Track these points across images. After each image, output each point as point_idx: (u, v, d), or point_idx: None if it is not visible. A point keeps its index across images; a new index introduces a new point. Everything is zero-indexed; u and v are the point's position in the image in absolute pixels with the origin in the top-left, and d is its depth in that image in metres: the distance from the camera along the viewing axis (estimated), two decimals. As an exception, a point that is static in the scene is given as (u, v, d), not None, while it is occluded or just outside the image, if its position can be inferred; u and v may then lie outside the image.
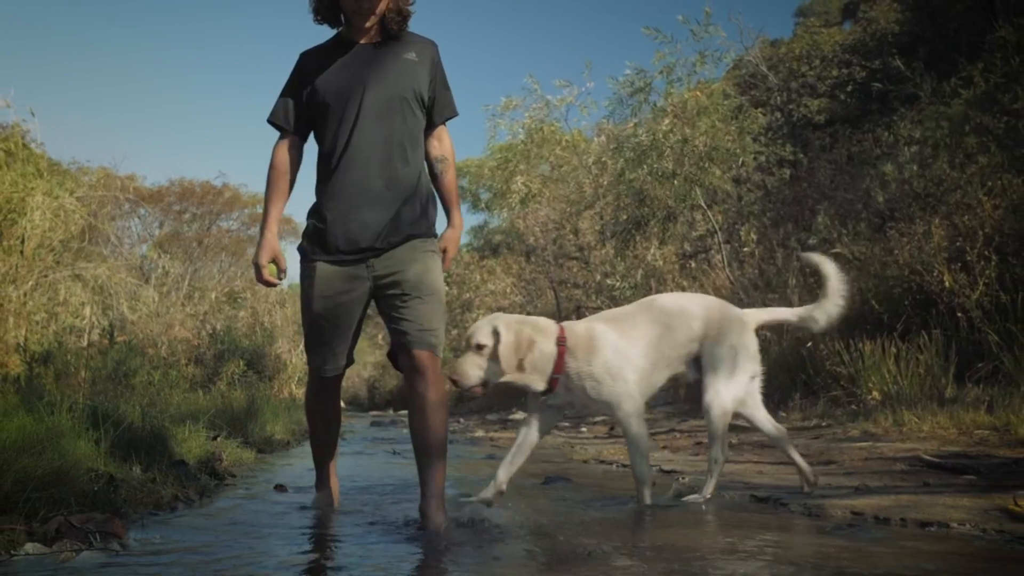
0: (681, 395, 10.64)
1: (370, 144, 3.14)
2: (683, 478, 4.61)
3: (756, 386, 3.94)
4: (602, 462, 6.01)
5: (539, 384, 3.67)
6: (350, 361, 3.37)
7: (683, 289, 13.31)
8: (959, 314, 6.95)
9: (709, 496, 3.73)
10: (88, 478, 3.35)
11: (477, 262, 23.28)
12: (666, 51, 13.65)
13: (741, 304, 10.54)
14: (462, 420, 16.12)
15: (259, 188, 40.03)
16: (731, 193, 13.38)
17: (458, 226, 3.47)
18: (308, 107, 3.26)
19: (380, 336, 33.08)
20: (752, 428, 4.07)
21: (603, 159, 15.99)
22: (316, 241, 3.20)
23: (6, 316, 8.87)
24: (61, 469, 3.25)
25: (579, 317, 17.28)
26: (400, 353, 3.15)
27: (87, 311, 10.81)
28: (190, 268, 21.77)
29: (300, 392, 14.58)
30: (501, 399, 18.78)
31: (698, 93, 12.86)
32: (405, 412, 18.23)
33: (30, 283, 9.44)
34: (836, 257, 9.15)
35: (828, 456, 5.13)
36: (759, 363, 3.92)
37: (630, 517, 3.40)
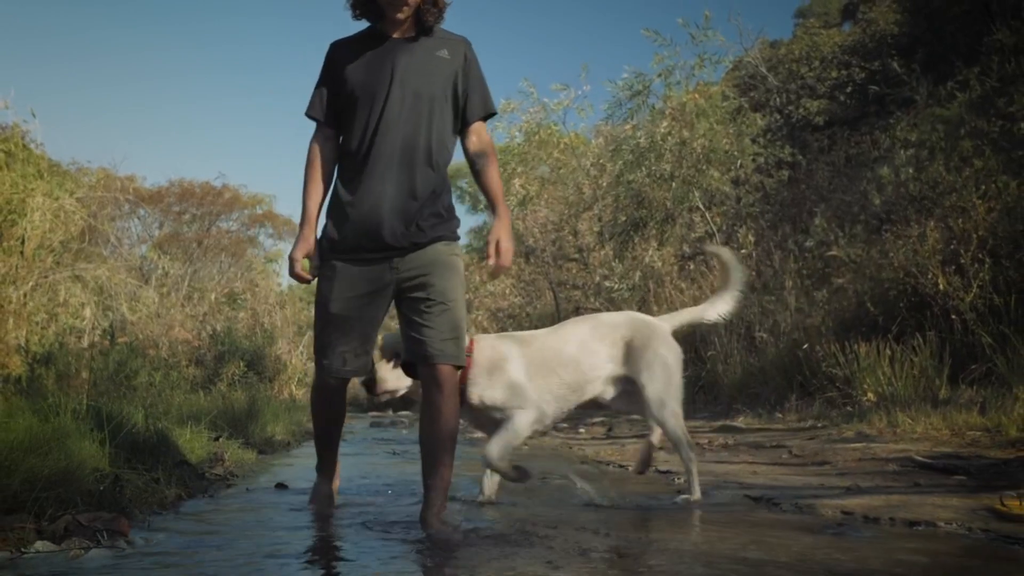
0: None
1: (396, 141, 3.09)
2: (679, 478, 4.67)
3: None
4: (600, 463, 6.06)
5: None
6: (369, 364, 3.33)
7: (681, 291, 13.38)
8: (953, 316, 7.02)
9: (700, 496, 3.75)
10: (94, 478, 3.41)
11: (476, 263, 23.33)
12: (665, 54, 13.73)
13: (740, 305, 10.64)
14: (462, 420, 16.17)
15: (258, 189, 40.10)
16: (730, 195, 13.45)
17: (504, 217, 3.24)
18: (335, 98, 3.23)
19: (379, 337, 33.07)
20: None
21: (601, 161, 16.05)
22: (337, 239, 3.16)
23: (6, 317, 8.92)
24: (67, 469, 3.31)
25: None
26: (420, 364, 3.12)
27: (87, 312, 10.86)
28: (189, 269, 21.79)
29: (300, 393, 14.64)
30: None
31: (696, 96, 12.93)
32: (405, 413, 18.28)
33: (30, 284, 9.49)
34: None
35: (822, 457, 5.19)
36: (679, 372, 3.94)
37: (625, 517, 3.46)
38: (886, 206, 9.63)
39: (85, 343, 10.00)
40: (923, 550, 2.55)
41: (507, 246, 3.13)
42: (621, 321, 3.99)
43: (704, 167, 12.76)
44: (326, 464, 3.67)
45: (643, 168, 13.21)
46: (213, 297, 18.70)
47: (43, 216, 9.81)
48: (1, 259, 9.22)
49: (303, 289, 32.50)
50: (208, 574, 2.28)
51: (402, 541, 2.88)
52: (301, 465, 5.94)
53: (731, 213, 13.67)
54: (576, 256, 18.86)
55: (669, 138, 12.85)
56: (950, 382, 6.66)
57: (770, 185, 13.62)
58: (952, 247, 7.43)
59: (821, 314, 8.76)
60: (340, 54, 3.24)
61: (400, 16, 3.10)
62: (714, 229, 12.98)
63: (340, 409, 3.55)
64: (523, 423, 3.64)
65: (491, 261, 3.11)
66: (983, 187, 7.87)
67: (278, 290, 27.94)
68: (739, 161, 12.90)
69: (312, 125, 3.35)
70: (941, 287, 7.16)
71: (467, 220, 39.20)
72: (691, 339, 11.42)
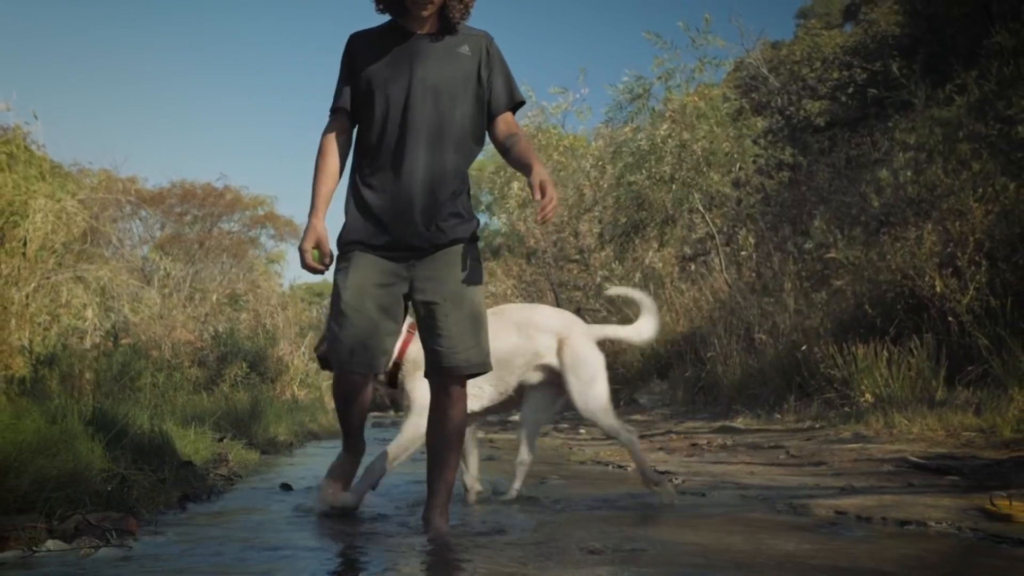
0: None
1: (417, 140, 3.02)
2: (677, 479, 4.73)
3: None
4: (599, 463, 6.13)
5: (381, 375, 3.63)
6: (375, 369, 3.15)
7: (681, 292, 13.45)
8: (950, 318, 7.08)
9: (658, 483, 3.93)
10: (101, 479, 3.47)
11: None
12: (665, 57, 13.78)
13: (739, 307, 10.73)
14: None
15: (260, 190, 40.07)
16: (730, 196, 13.51)
17: (541, 170, 3.02)
18: (353, 91, 3.16)
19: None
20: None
21: (601, 163, 16.10)
22: (355, 237, 3.07)
23: (9, 318, 8.97)
24: (75, 470, 3.38)
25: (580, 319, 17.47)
26: (432, 371, 3.10)
27: (89, 313, 10.91)
28: (191, 270, 21.84)
29: (302, 394, 14.72)
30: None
31: (696, 98, 12.99)
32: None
33: (32, 285, 9.53)
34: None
35: (819, 457, 5.26)
36: (604, 374, 4.11)
37: (623, 516, 3.52)
38: (885, 208, 9.68)
39: (87, 344, 10.06)
40: (912, 548, 2.61)
41: (552, 194, 2.91)
42: (556, 315, 4.21)
43: (704, 169, 12.81)
44: (350, 443, 3.49)
45: (643, 170, 13.27)
46: (215, 298, 18.76)
47: (45, 218, 9.85)
48: (3, 260, 9.26)
49: (305, 290, 32.61)
50: (215, 573, 2.35)
51: (405, 541, 2.94)
52: (304, 465, 6.02)
53: (731, 214, 13.73)
54: (577, 257, 18.94)
55: (669, 140, 12.91)
56: (947, 383, 6.72)
57: (771, 187, 13.67)
58: (949, 250, 7.49)
59: (820, 316, 8.82)
60: (359, 47, 3.17)
61: (424, 13, 3.03)
62: (714, 231, 13.03)
63: (359, 406, 3.38)
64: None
65: (537, 196, 2.89)
66: (980, 190, 7.93)
67: (280, 291, 28.00)
68: (738, 164, 12.95)
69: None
70: (938, 289, 7.21)
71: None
72: (691, 340, 11.50)
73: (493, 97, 3.16)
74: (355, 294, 3.01)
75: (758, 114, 15.40)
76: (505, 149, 3.15)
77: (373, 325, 3.03)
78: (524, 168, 3.07)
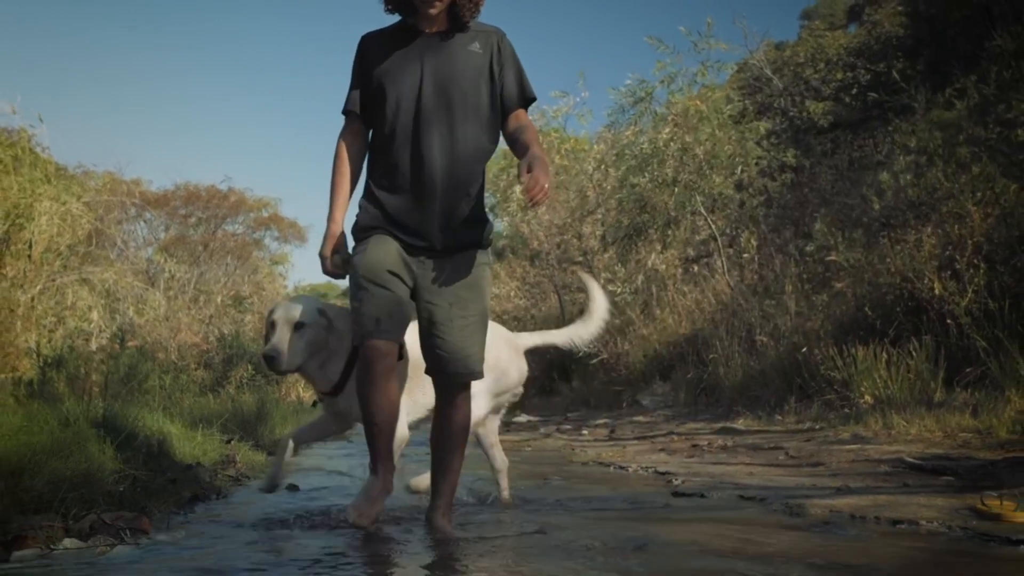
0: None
1: (430, 141, 3.00)
2: (676, 479, 4.81)
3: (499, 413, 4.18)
4: (601, 464, 6.21)
5: (325, 384, 3.50)
6: (398, 339, 3.00)
7: (684, 294, 13.51)
8: (949, 321, 7.14)
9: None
10: (113, 479, 3.57)
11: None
12: (667, 61, 13.84)
13: (741, 309, 10.79)
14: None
15: (264, 192, 40.14)
16: (733, 198, 13.57)
17: (542, 155, 2.97)
18: (365, 93, 3.15)
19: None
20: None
21: (603, 166, 16.17)
22: (371, 222, 3.05)
23: (15, 320, 9.05)
24: (88, 471, 3.47)
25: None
26: (435, 375, 3.11)
27: (94, 315, 11.00)
28: (196, 272, 21.94)
29: (307, 395, 14.79)
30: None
31: (698, 102, 13.05)
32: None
33: (38, 287, 9.62)
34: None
35: (817, 458, 5.33)
36: (520, 387, 4.03)
37: (622, 516, 3.60)
38: (885, 211, 9.74)
39: (93, 346, 10.14)
40: (902, 547, 2.69)
41: (541, 173, 2.83)
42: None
43: (707, 172, 12.89)
44: (378, 458, 3.05)
45: (646, 173, 13.34)
46: (219, 300, 18.87)
47: (50, 220, 9.93)
48: (9, 263, 9.34)
49: (309, 292, 32.63)
50: (226, 570, 2.43)
51: (410, 541, 3.02)
52: (311, 466, 6.10)
53: (734, 216, 13.79)
54: (580, 259, 19.00)
55: (671, 144, 12.98)
56: (945, 385, 6.77)
57: (773, 188, 13.72)
58: (948, 253, 7.55)
59: (820, 318, 8.88)
60: (370, 48, 3.16)
61: (433, 12, 3.02)
62: (716, 233, 13.10)
63: (387, 393, 3.00)
64: None
65: (523, 177, 2.83)
66: (978, 194, 7.99)
67: (284, 293, 28.08)
68: (740, 167, 13.01)
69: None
70: (937, 292, 7.27)
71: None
72: (693, 342, 11.57)
73: (505, 94, 3.14)
74: (374, 269, 2.95)
75: (762, 115, 15.45)
76: (513, 140, 3.14)
77: (395, 296, 2.96)
78: (523, 152, 3.03)
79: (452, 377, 3.07)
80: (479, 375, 3.11)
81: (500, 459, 4.18)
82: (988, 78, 10.13)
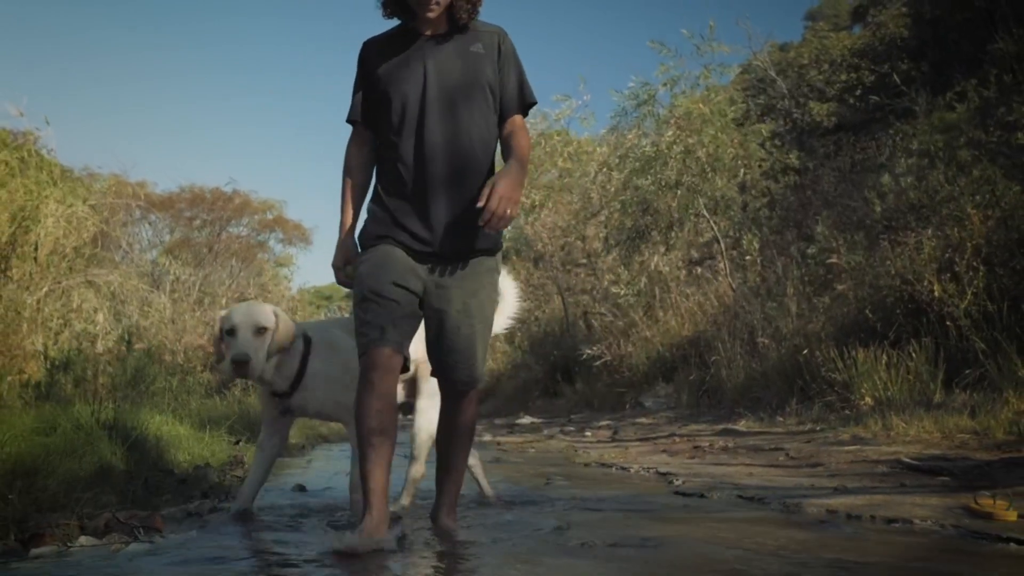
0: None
1: (437, 146, 2.95)
2: (677, 480, 4.88)
3: None
4: (603, 465, 6.28)
5: (283, 384, 3.58)
6: (403, 349, 2.95)
7: (687, 296, 13.58)
8: (948, 323, 7.20)
9: (406, 506, 3.78)
10: (125, 479, 3.65)
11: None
12: (670, 64, 13.93)
13: (743, 311, 10.86)
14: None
15: (269, 194, 40.22)
16: (736, 200, 13.65)
17: (515, 169, 2.93)
18: (370, 100, 3.11)
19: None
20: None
21: (606, 168, 16.25)
22: (379, 229, 3.01)
23: (21, 323, 9.12)
24: (101, 472, 3.57)
25: (587, 323, 17.53)
26: (441, 380, 3.13)
27: (100, 317, 11.07)
28: (200, 274, 22.01)
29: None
30: (509, 404, 19.07)
31: (701, 105, 13.13)
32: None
33: (44, 290, 9.67)
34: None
35: (816, 459, 5.40)
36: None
37: (622, 515, 3.67)
38: (887, 214, 9.80)
39: (99, 348, 10.21)
40: (895, 543, 2.76)
41: (504, 191, 2.78)
42: None
43: (709, 175, 12.96)
44: (368, 498, 2.80)
45: (649, 176, 13.43)
46: (224, 302, 18.92)
47: (56, 223, 9.97)
48: (16, 265, 9.40)
49: (313, 294, 32.80)
50: (238, 566, 2.51)
51: (415, 536, 3.09)
52: (317, 467, 6.18)
53: (737, 218, 13.86)
54: (584, 261, 19.09)
55: (674, 146, 13.06)
56: (944, 387, 6.84)
57: (776, 190, 13.79)
58: (948, 255, 7.62)
59: (822, 320, 8.95)
60: (372, 54, 3.12)
61: (430, 15, 2.96)
62: (719, 235, 13.17)
63: (386, 403, 2.87)
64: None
65: (480, 203, 2.79)
66: (977, 198, 8.06)
67: (289, 295, 28.18)
68: (742, 171, 13.09)
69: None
70: (937, 294, 7.34)
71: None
72: (696, 344, 11.63)
73: (505, 97, 3.11)
74: (380, 281, 2.91)
75: (766, 116, 15.53)
76: (506, 147, 3.10)
77: (401, 308, 2.92)
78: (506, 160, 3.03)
79: (458, 384, 3.09)
80: (483, 380, 3.13)
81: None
82: (988, 81, 10.19)
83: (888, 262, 8.22)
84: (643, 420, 10.54)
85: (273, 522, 3.46)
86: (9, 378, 7.76)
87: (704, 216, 13.32)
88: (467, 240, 3.00)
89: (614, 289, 15.54)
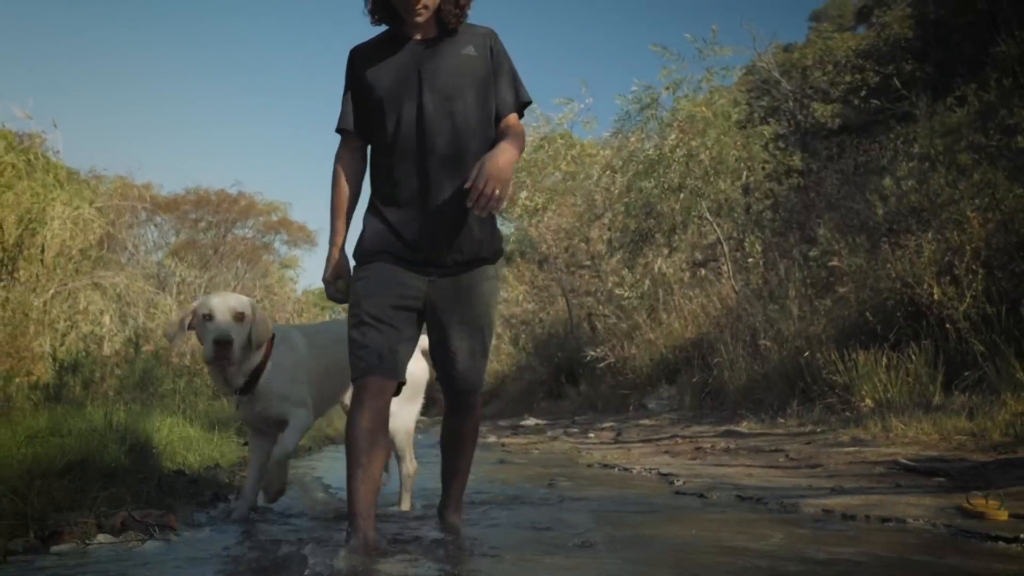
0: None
1: (434, 153, 2.88)
2: (678, 480, 4.96)
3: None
4: (606, 466, 6.35)
5: (240, 379, 3.56)
6: (399, 377, 2.91)
7: (690, 299, 13.65)
8: (947, 326, 7.27)
9: (407, 508, 3.88)
10: (138, 479, 3.75)
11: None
12: (673, 68, 14.00)
13: (745, 314, 10.93)
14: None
15: (274, 196, 40.32)
16: (739, 202, 13.71)
17: (506, 144, 2.84)
18: (360, 108, 3.03)
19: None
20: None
21: (609, 171, 16.33)
22: (377, 244, 2.94)
23: (29, 324, 9.19)
24: (115, 472, 3.66)
25: (591, 325, 17.60)
26: (444, 388, 3.15)
27: (106, 319, 11.14)
28: (206, 276, 22.10)
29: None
30: (513, 405, 19.16)
31: (703, 108, 13.20)
32: (421, 419, 18.37)
33: (51, 292, 9.75)
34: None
35: (816, 460, 5.48)
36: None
37: (622, 514, 3.76)
38: (889, 216, 9.87)
39: (106, 350, 10.29)
40: (887, 541, 2.84)
41: (492, 169, 2.69)
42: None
43: (712, 178, 13.04)
44: (354, 520, 2.72)
45: (652, 179, 13.51)
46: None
47: (63, 225, 10.04)
48: (23, 267, 9.48)
49: (318, 295, 32.88)
50: (251, 563, 2.61)
51: (421, 534, 3.18)
52: (324, 468, 6.27)
53: (741, 221, 13.92)
54: (588, 263, 19.16)
55: (677, 150, 13.14)
56: (944, 389, 6.91)
57: (780, 192, 13.84)
58: (947, 259, 7.69)
59: (823, 323, 9.02)
60: (362, 60, 3.04)
61: (418, 19, 2.91)
62: (722, 238, 13.24)
63: (379, 435, 2.84)
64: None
65: (467, 184, 2.72)
66: (976, 201, 8.13)
67: (294, 296, 28.30)
68: (744, 174, 13.16)
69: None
70: (936, 297, 7.41)
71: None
72: (699, 346, 11.71)
73: (499, 99, 3.04)
74: (376, 304, 2.85)
75: (770, 117, 15.59)
76: (502, 135, 3.00)
77: (397, 333, 2.87)
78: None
79: (461, 394, 3.13)
80: (481, 387, 3.16)
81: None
82: (988, 85, 10.25)
83: (888, 265, 8.29)
84: (646, 422, 10.62)
85: (284, 520, 3.56)
86: (17, 379, 7.85)
87: (707, 219, 13.39)
88: (467, 249, 2.95)
89: (618, 291, 15.62)
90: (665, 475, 5.34)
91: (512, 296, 23.21)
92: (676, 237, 14.08)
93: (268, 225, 30.66)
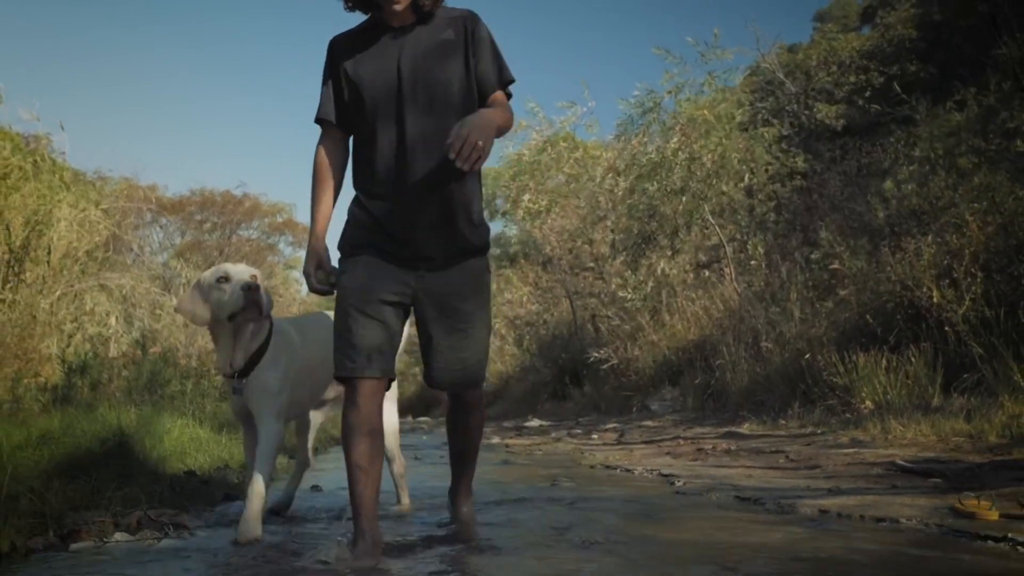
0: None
1: (417, 142, 2.81)
2: (679, 481, 5.04)
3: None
4: (608, 467, 6.43)
5: (241, 360, 3.41)
6: (391, 374, 2.89)
7: (693, 301, 13.72)
8: (947, 328, 7.34)
9: (407, 504, 4.02)
10: (151, 480, 3.85)
11: (494, 271, 23.69)
12: (675, 71, 14.08)
13: (747, 316, 11.00)
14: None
15: (278, 197, 40.40)
16: (743, 203, 13.79)
17: (488, 110, 2.78)
18: (341, 99, 2.98)
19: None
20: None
21: (612, 174, 16.40)
22: (362, 238, 2.90)
23: (36, 326, 9.28)
24: (129, 473, 3.75)
25: (595, 326, 17.68)
26: (443, 388, 3.09)
27: (112, 320, 11.23)
28: (210, 276, 22.12)
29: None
30: (517, 406, 19.24)
31: (705, 112, 13.28)
32: (424, 419, 18.47)
33: (57, 293, 9.82)
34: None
35: (815, 461, 5.55)
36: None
37: (622, 514, 3.84)
38: (890, 219, 9.95)
39: (112, 352, 10.36)
40: (880, 540, 2.92)
41: (476, 120, 2.61)
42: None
43: (714, 181, 13.12)
44: (359, 523, 2.76)
45: (654, 182, 13.59)
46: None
47: (69, 226, 10.13)
48: (30, 268, 9.57)
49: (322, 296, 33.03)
50: (263, 561, 2.70)
51: (426, 532, 3.27)
52: (332, 468, 6.36)
53: (744, 222, 13.99)
54: (592, 265, 19.25)
55: (680, 153, 13.22)
56: (943, 391, 6.99)
57: (783, 194, 13.91)
58: (946, 262, 7.76)
59: (824, 325, 9.10)
60: (341, 50, 2.98)
61: (396, 7, 2.83)
62: (724, 240, 13.32)
63: (373, 434, 2.82)
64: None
65: (450, 138, 2.59)
66: (975, 205, 8.20)
67: (299, 297, 28.40)
68: (746, 176, 13.24)
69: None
70: (936, 300, 7.49)
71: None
72: (702, 348, 11.79)
73: (481, 77, 2.94)
74: (364, 299, 2.81)
75: (774, 118, 15.65)
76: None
77: (387, 329, 2.84)
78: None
79: (460, 391, 3.14)
80: (481, 383, 3.11)
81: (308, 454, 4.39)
82: (988, 89, 10.32)
83: (888, 268, 8.37)
84: (649, 423, 10.70)
85: (292, 519, 3.65)
86: (25, 381, 7.95)
87: (709, 221, 13.47)
88: (454, 242, 2.91)
89: (621, 293, 15.69)
90: (666, 476, 5.42)
91: (516, 297, 23.31)
92: (679, 239, 14.16)
93: (273, 226, 30.82)
